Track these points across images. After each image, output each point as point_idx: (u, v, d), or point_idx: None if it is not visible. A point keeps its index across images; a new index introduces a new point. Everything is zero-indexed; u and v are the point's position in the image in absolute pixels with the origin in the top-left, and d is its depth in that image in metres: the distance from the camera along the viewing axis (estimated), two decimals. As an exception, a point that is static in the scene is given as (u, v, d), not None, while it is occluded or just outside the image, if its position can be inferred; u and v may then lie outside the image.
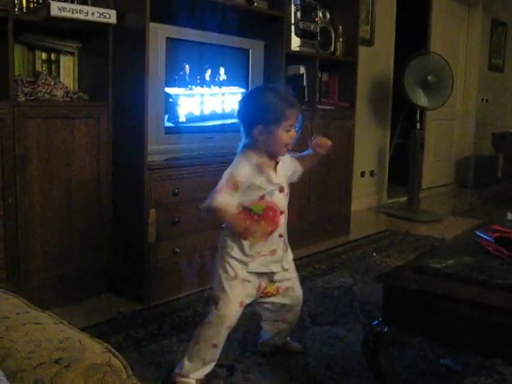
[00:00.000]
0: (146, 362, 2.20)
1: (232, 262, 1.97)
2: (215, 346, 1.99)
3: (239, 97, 2.07)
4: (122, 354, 1.20)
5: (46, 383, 1.04)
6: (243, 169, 1.91)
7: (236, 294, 1.97)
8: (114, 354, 1.17)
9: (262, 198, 1.94)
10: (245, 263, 1.97)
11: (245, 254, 1.97)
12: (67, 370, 1.08)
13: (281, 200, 1.99)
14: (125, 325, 2.55)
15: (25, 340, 1.16)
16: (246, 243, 1.96)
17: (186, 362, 2.00)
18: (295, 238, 4.01)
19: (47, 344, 1.16)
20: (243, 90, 3.27)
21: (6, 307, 1.33)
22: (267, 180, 1.95)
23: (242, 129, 1.98)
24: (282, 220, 2.01)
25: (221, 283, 1.98)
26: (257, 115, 1.90)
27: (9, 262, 2.53)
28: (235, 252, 1.97)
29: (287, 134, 1.91)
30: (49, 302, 2.52)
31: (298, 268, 3.49)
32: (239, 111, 1.98)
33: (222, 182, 1.89)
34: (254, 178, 1.92)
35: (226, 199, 1.86)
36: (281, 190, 1.99)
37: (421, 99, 5.06)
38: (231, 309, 1.97)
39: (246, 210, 1.95)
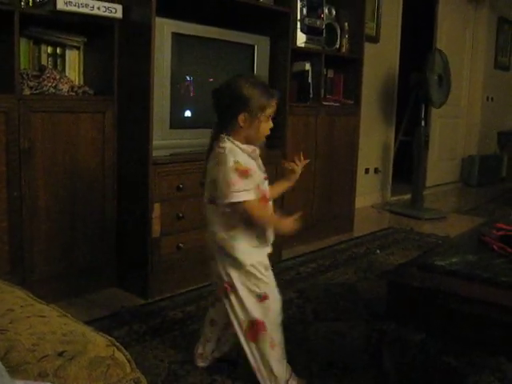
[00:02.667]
0: (149, 356, 2.21)
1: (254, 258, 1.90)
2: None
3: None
4: (124, 348, 1.20)
5: (49, 376, 1.05)
6: (241, 155, 1.84)
7: (272, 280, 1.95)
8: (117, 348, 1.17)
9: (258, 187, 1.88)
10: (261, 249, 1.93)
11: (260, 242, 1.91)
12: (71, 363, 1.08)
13: (267, 189, 1.95)
14: (128, 319, 2.55)
15: (29, 332, 1.17)
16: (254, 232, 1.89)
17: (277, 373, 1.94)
18: (299, 234, 4.02)
19: (51, 337, 1.16)
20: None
21: (10, 300, 1.34)
22: (258, 167, 1.91)
23: (219, 116, 1.90)
24: (271, 209, 1.96)
25: (256, 283, 1.91)
26: (241, 102, 1.83)
27: (13, 255, 2.54)
28: (249, 242, 1.89)
29: (267, 123, 1.89)
30: (52, 295, 2.53)
31: (302, 264, 3.55)
32: (220, 98, 1.88)
33: (230, 177, 1.79)
34: (251, 165, 1.86)
35: (245, 187, 1.79)
36: (266, 178, 1.94)
37: (437, 96, 5.06)
38: (275, 297, 1.95)
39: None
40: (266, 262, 1.95)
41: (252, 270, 1.90)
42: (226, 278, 1.91)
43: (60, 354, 1.10)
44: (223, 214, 1.87)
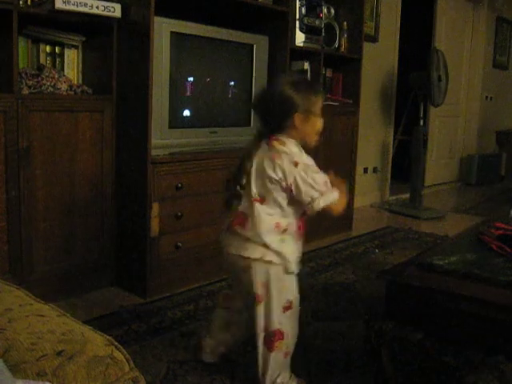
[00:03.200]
0: (148, 355, 2.21)
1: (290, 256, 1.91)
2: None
3: (258, 90, 1.95)
4: (123, 347, 1.20)
5: (48, 375, 1.05)
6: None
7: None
8: (116, 347, 1.17)
9: None
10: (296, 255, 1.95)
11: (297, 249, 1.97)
12: (70, 362, 1.08)
13: None
14: (127, 318, 2.55)
15: (27, 332, 1.17)
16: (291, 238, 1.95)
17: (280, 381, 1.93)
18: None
19: (50, 336, 1.16)
20: (247, 86, 3.28)
21: (9, 299, 1.34)
22: None
23: (271, 122, 1.85)
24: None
25: (291, 288, 1.92)
26: (292, 104, 1.79)
27: (11, 255, 2.53)
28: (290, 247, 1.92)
29: (320, 120, 1.87)
30: (51, 295, 2.53)
31: (301, 263, 3.52)
32: (268, 104, 1.85)
33: (318, 177, 1.89)
34: None
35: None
36: None
37: (438, 95, 5.08)
38: (297, 305, 1.95)
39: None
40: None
41: (292, 274, 1.91)
42: (259, 289, 1.86)
43: (59, 354, 1.10)
44: (274, 213, 1.88)
